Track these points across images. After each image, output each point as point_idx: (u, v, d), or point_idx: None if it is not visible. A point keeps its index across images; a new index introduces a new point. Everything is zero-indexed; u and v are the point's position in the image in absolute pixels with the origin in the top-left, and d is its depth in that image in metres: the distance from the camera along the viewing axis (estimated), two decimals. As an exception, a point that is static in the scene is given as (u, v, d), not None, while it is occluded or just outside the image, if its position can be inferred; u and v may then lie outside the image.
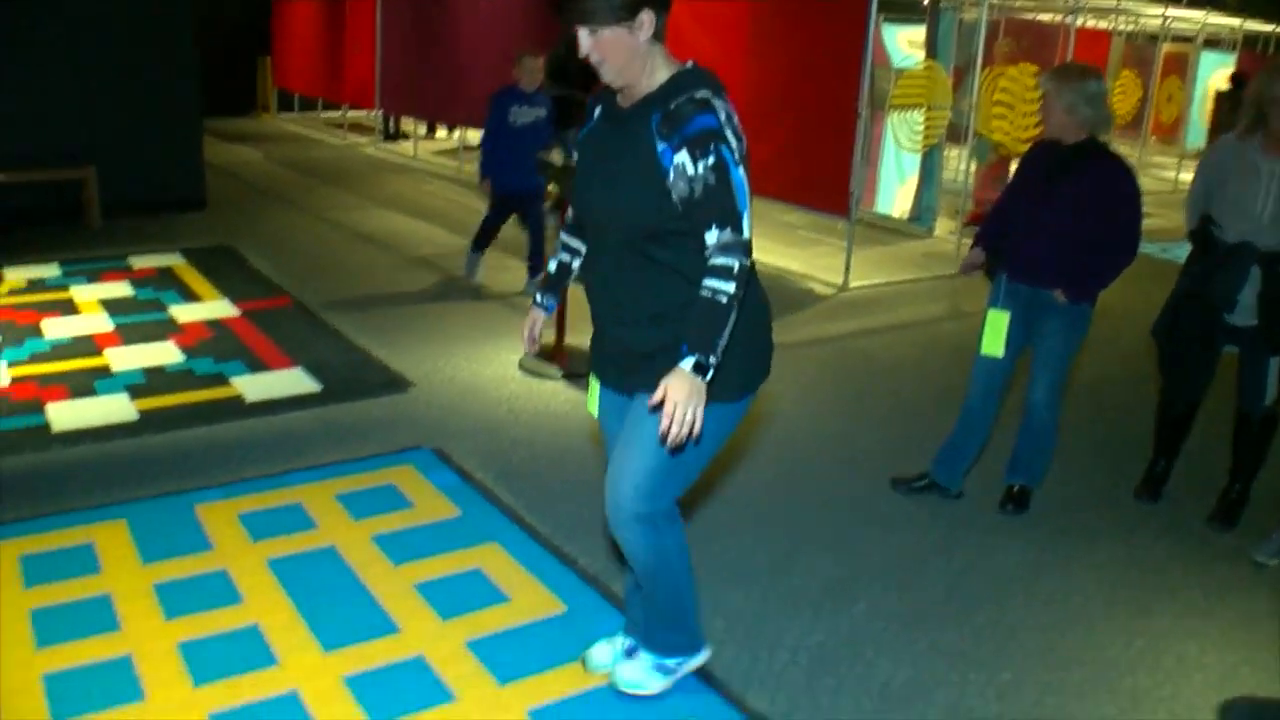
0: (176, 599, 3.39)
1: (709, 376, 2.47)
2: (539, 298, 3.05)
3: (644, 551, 2.82)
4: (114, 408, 4.89)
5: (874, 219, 10.10)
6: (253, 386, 5.22)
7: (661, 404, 2.44)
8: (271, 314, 6.41)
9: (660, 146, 2.50)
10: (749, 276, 2.56)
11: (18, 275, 7.03)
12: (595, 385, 2.97)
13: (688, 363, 2.44)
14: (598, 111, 2.75)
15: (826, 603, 3.57)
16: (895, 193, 10.18)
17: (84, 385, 5.13)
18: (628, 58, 2.50)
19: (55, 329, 5.99)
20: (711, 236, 2.49)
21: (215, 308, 6.52)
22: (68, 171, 8.53)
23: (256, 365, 5.52)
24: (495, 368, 5.60)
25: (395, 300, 6.87)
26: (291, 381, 5.29)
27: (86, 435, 4.58)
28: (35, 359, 5.52)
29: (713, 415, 2.61)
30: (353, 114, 16.01)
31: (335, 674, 3.07)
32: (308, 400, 5.07)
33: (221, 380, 5.30)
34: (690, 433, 2.45)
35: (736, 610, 3.50)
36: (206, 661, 3.11)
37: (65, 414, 4.79)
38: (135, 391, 5.10)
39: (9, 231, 8.15)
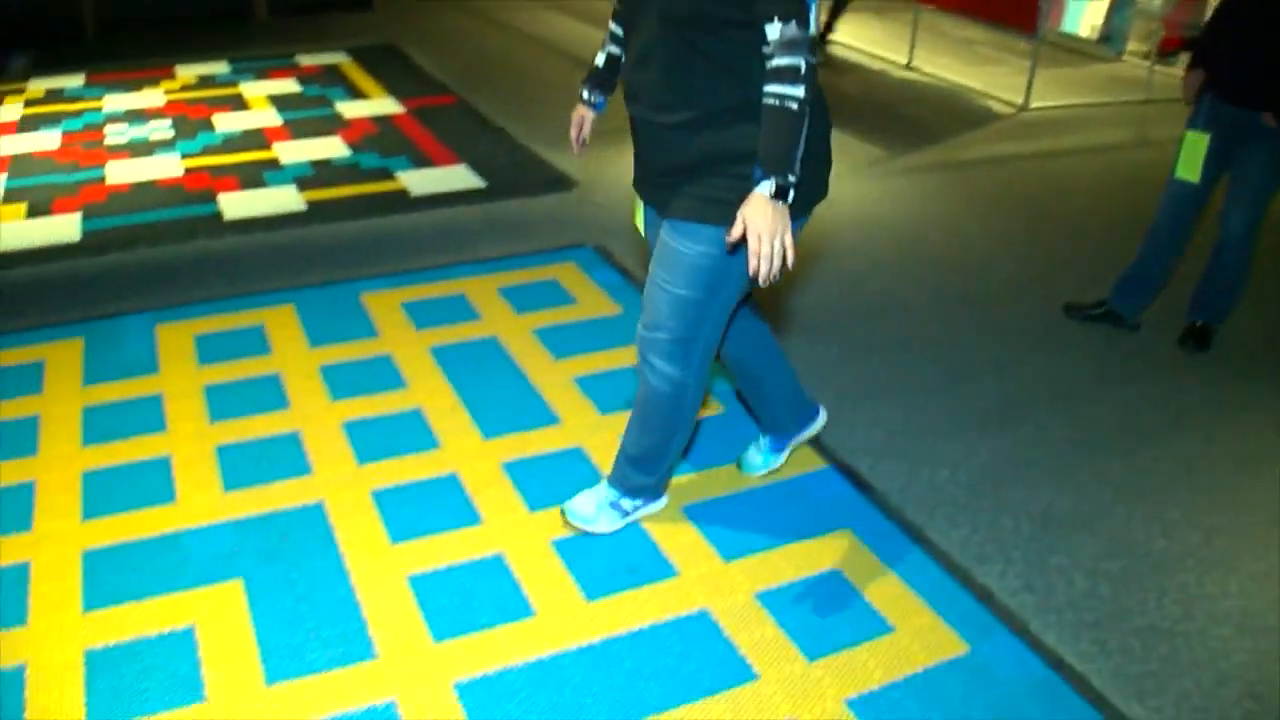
0: (342, 381, 3.45)
1: (791, 198, 2.20)
2: (586, 94, 2.77)
3: (658, 381, 2.61)
4: (283, 199, 4.96)
5: (1060, 38, 9.45)
6: (418, 181, 5.21)
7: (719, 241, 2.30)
8: (437, 111, 6.37)
9: None
10: (815, 77, 2.20)
11: (189, 72, 7.13)
12: (639, 201, 2.71)
13: (765, 186, 2.16)
14: None
15: (991, 424, 3.43)
16: (1085, 11, 9.50)
17: (254, 177, 5.21)
18: None
19: (226, 123, 6.08)
20: (774, 30, 2.15)
21: (381, 104, 6.50)
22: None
23: (422, 161, 5.51)
24: (659, 168, 5.47)
25: (561, 102, 6.71)
26: (456, 177, 5.27)
27: (256, 224, 4.66)
28: (207, 151, 5.62)
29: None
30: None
31: (495, 459, 3.10)
32: (472, 196, 5.04)
33: (387, 175, 5.31)
34: (785, 264, 2.20)
35: (899, 425, 3.40)
36: (371, 441, 3.17)
37: (236, 204, 4.88)
38: (303, 183, 5.16)
39: (179, 29, 8.25)
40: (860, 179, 5.45)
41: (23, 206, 4.94)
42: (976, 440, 3.34)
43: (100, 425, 3.26)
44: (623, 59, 2.52)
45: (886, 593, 2.67)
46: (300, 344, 3.67)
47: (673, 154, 2.39)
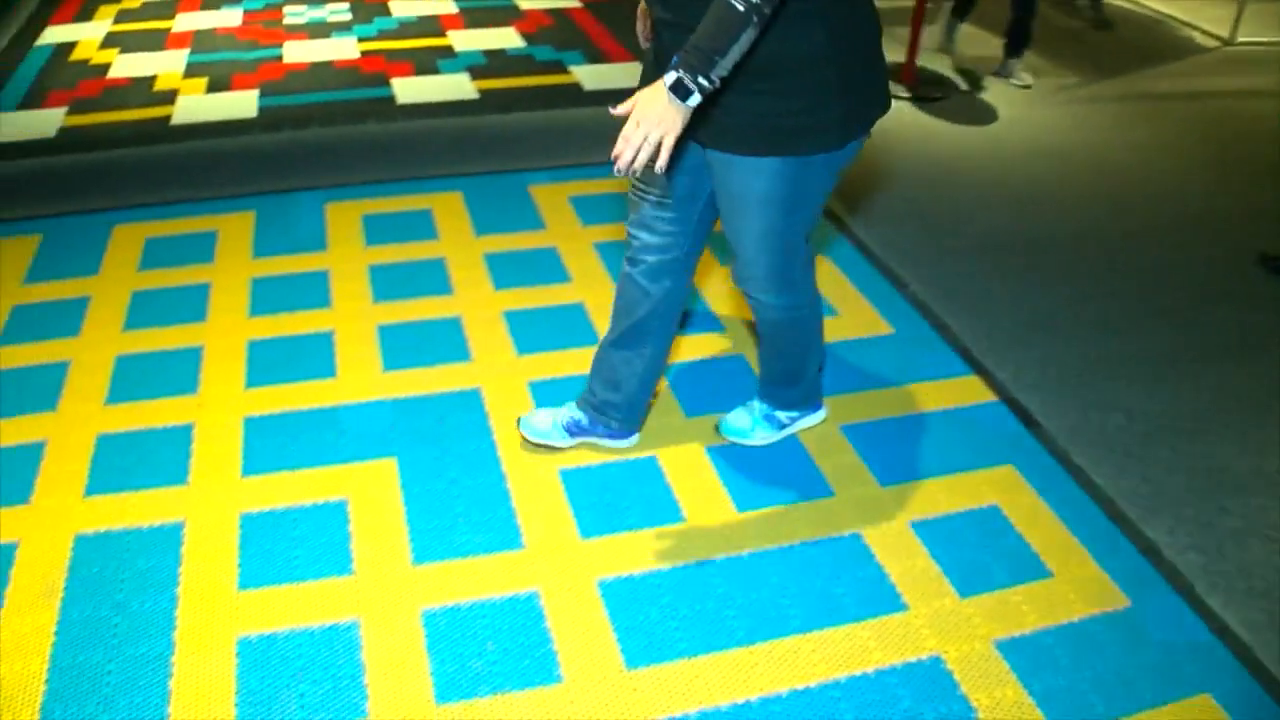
0: (506, 270, 3.42)
1: (690, 102, 1.85)
2: None
3: (771, 312, 2.47)
4: (455, 86, 4.94)
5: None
6: (591, 76, 5.13)
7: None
8: (614, 7, 6.24)
9: None
10: None
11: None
12: None
13: (670, 76, 1.85)
14: None
15: (1170, 372, 3.21)
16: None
17: (427, 63, 5.21)
18: None
19: (402, 8, 6.09)
20: None
21: (558, -2, 6.43)
22: None
23: (597, 56, 5.43)
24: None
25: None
26: (631, 74, 5.17)
27: (428, 110, 4.66)
28: (383, 35, 5.63)
29: (812, 168, 2.12)
30: None
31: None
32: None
33: (561, 68, 5.24)
34: (634, 163, 1.87)
35: (1073, 363, 3.20)
36: (530, 333, 3.14)
37: (409, 88, 4.89)
38: (475, 72, 5.13)
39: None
40: (1045, 105, 5.16)
41: (203, 81, 5.03)
42: (1153, 387, 3.14)
43: (267, 297, 3.30)
44: None
45: (1046, 536, 2.53)
46: (466, 231, 3.65)
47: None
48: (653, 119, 1.85)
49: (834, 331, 3.21)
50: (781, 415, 2.77)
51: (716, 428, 2.81)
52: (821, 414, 2.84)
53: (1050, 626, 2.30)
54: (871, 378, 3.03)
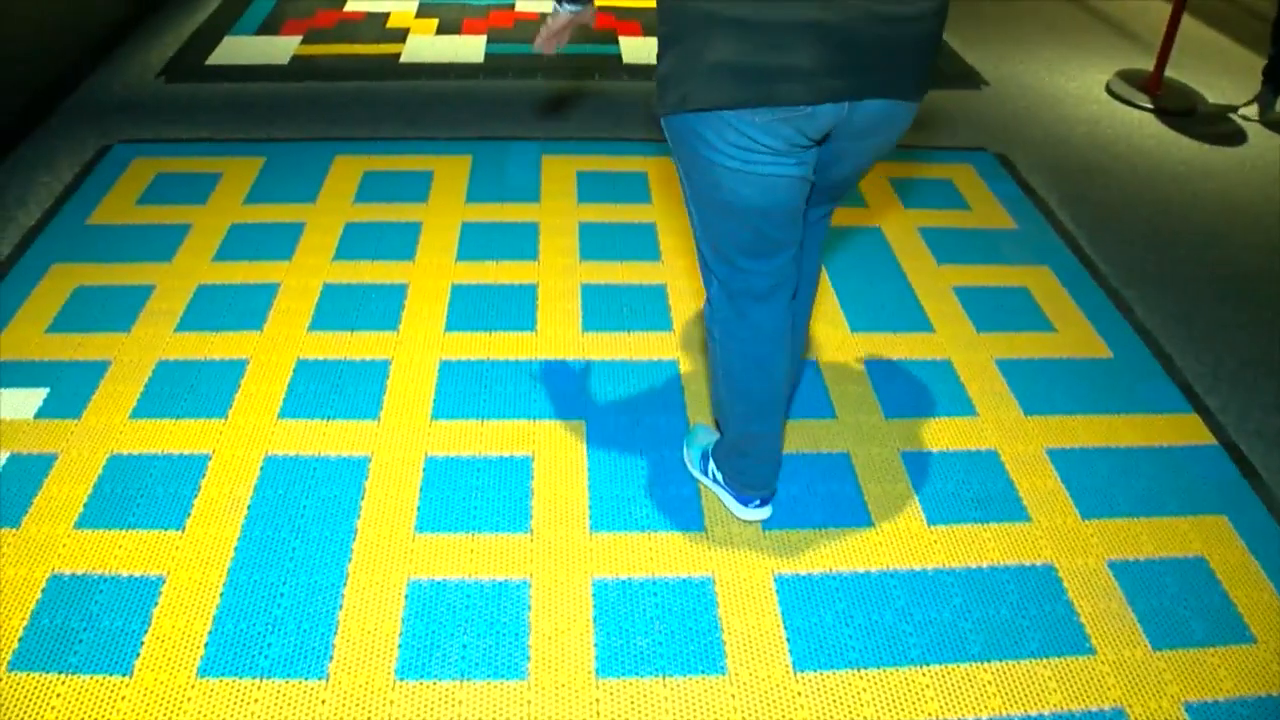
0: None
1: (556, 7, 2.14)
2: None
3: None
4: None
5: None
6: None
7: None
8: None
9: None
10: None
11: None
12: None
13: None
14: None
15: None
16: None
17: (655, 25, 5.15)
18: None
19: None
20: None
21: None
22: None
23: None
24: (1080, 83, 5.00)
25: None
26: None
27: (640, 71, 4.62)
28: (615, -5, 5.61)
29: (671, 134, 1.88)
30: None
31: (856, 354, 2.92)
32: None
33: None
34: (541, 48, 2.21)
35: (1245, 357, 2.97)
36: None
37: (637, 49, 4.85)
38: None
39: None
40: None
41: (434, 23, 5.09)
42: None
43: (476, 243, 3.31)
44: None
45: (1255, 598, 2.33)
46: (678, 201, 3.59)
47: None
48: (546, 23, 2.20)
49: (1048, 349, 3.04)
50: (712, 463, 2.46)
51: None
52: (741, 511, 2.41)
53: (1248, 697, 2.12)
54: (1083, 402, 2.86)
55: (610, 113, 4.22)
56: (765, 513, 2.41)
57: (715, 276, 2.06)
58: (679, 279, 3.19)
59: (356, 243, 3.30)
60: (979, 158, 4.09)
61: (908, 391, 2.82)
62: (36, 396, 2.67)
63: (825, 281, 3.23)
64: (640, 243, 3.36)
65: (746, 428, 2.24)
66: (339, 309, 3.00)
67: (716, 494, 2.47)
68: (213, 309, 3.00)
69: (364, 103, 4.25)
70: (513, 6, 5.34)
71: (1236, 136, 4.60)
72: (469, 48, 4.79)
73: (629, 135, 4.02)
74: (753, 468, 2.33)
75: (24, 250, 3.25)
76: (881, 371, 2.87)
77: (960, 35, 5.47)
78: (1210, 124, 4.70)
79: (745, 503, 2.39)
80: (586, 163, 3.79)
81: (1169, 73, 4.95)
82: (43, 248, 3.26)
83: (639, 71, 4.61)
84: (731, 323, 2.10)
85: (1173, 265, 3.55)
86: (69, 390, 2.69)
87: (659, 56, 1.81)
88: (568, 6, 2.16)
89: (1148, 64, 5.22)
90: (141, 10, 5.09)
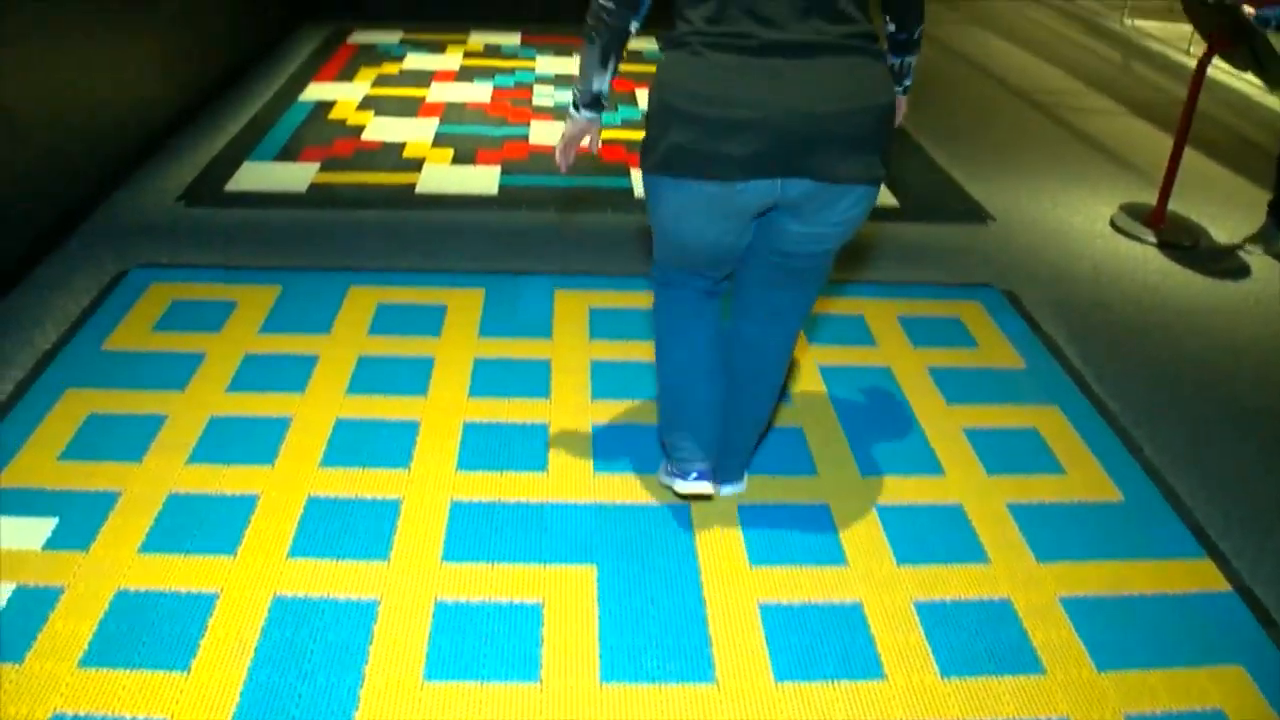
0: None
1: (571, 113, 2.55)
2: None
3: None
4: (692, 186, 4.96)
5: None
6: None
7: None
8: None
9: None
10: (597, 13, 2.36)
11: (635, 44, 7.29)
12: None
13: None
14: None
15: None
16: None
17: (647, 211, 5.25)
18: None
19: (645, 100, 6.16)
20: None
21: (800, 106, 6.41)
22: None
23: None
24: (1084, 217, 5.08)
25: (984, 127, 6.42)
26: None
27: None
28: (627, 125, 5.72)
29: (652, 185, 2.44)
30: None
31: (867, 499, 2.92)
32: (883, 213, 4.85)
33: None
34: (565, 160, 2.62)
35: (1257, 499, 2.97)
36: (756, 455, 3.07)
37: (647, 183, 4.93)
38: (715, 173, 5.14)
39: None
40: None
41: (449, 152, 5.19)
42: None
43: (488, 379, 3.33)
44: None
45: (1281, 752, 2.31)
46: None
47: None
48: (564, 128, 2.62)
49: (1059, 493, 3.04)
50: (664, 461, 2.92)
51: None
52: (681, 485, 2.77)
53: None
54: (1095, 548, 2.85)
55: (624, 247, 4.27)
56: (704, 486, 2.75)
57: (656, 268, 2.69)
58: (810, 422, 3.22)
59: (369, 376, 3.32)
60: (987, 294, 4.13)
61: (920, 537, 2.81)
62: (45, 526, 2.67)
63: (835, 422, 3.24)
64: (652, 382, 3.37)
65: (674, 396, 2.73)
66: (351, 444, 3.01)
67: (664, 482, 2.87)
68: (224, 441, 3.01)
69: (380, 232, 4.31)
70: (526, 139, 5.44)
71: (1240, 272, 4.65)
72: (483, 179, 4.87)
73: (642, 271, 4.07)
74: (681, 441, 2.73)
75: (39, 373, 3.28)
76: (893, 516, 2.87)
77: (965, 169, 5.56)
78: (1214, 259, 4.75)
79: (684, 475, 2.74)
80: (599, 298, 3.82)
81: (1171, 205, 5.01)
82: (57, 372, 3.29)
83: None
84: (661, 301, 2.70)
85: (1181, 403, 3.56)
86: (78, 521, 2.69)
87: (644, 129, 2.40)
88: (585, 113, 2.55)
89: (1150, 196, 5.30)
90: (161, 134, 5.20)
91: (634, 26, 2.40)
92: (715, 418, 2.73)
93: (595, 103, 2.52)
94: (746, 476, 2.94)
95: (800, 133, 2.22)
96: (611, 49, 2.42)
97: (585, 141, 2.63)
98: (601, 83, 2.47)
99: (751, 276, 2.58)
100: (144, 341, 3.47)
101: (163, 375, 3.29)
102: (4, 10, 3.71)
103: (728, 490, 2.88)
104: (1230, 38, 4.66)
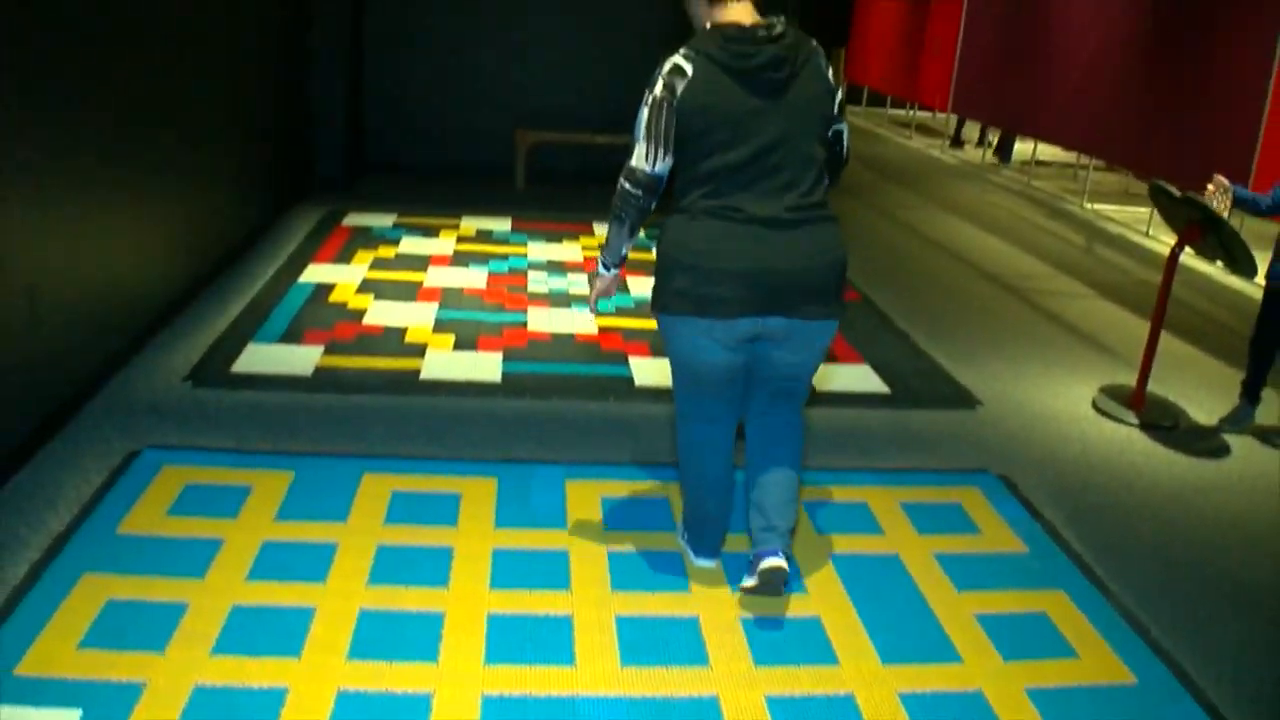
0: (744, 573, 3.42)
1: (601, 271, 3.32)
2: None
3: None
4: (691, 371, 5.09)
5: None
6: (822, 376, 5.20)
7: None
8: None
9: None
10: (626, 198, 3.11)
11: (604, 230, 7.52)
12: None
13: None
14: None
15: None
16: None
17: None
18: None
19: (640, 287, 6.37)
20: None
21: (785, 290, 6.62)
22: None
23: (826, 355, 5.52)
24: (1066, 401, 5.26)
25: (963, 312, 6.66)
26: (860, 377, 5.26)
27: (667, 394, 4.78)
28: (621, 313, 5.89)
29: (662, 325, 3.19)
30: (920, 114, 15.94)
31: (892, 687, 2.96)
32: (876, 400, 5.01)
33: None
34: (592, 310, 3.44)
35: (1264, 674, 3.03)
36: (768, 643, 3.11)
37: (647, 370, 5.05)
38: (710, 359, 5.28)
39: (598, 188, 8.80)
40: (1288, 447, 5.01)
41: (451, 338, 5.32)
42: None
43: (508, 570, 3.37)
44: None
45: None
46: (702, 525, 3.70)
47: None
48: (593, 281, 3.40)
49: (1074, 676, 3.09)
50: (681, 528, 3.59)
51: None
52: (697, 561, 3.49)
53: None
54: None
55: (629, 435, 4.36)
56: (712, 563, 3.48)
57: (679, 404, 3.32)
58: (710, 610, 3.25)
59: (390, 566, 3.35)
60: (983, 479, 4.25)
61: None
62: (70, 719, 2.65)
63: (852, 611, 3.30)
64: (669, 572, 3.43)
65: (699, 508, 3.43)
66: (377, 636, 3.03)
67: (682, 547, 3.54)
68: (249, 632, 3.01)
69: (388, 418, 4.40)
70: (525, 325, 5.59)
71: (1221, 451, 4.81)
72: (486, 365, 4.99)
73: (650, 460, 4.16)
74: (701, 532, 3.47)
75: (54, 556, 3.28)
76: (917, 705, 2.90)
77: (949, 354, 5.75)
78: (1195, 439, 4.92)
79: (697, 555, 3.49)
80: (610, 488, 3.90)
81: (1149, 386, 5.19)
82: (73, 556, 3.29)
83: (652, 394, 4.80)
84: (685, 434, 3.35)
85: (1181, 582, 3.65)
86: (102, 714, 2.65)
87: (655, 280, 3.13)
88: (614, 270, 3.35)
89: (1126, 377, 5.50)
90: (167, 312, 5.31)
91: (653, 205, 3.14)
92: (726, 521, 3.48)
93: (621, 262, 3.30)
94: (785, 560, 3.21)
95: (774, 283, 2.99)
96: (637, 224, 3.17)
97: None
98: (627, 249, 3.27)
99: (755, 406, 3.33)
100: (159, 526, 3.49)
101: (181, 561, 3.31)
102: (31, 186, 3.84)
103: (770, 560, 3.17)
104: (1199, 229, 4.91)
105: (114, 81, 4.52)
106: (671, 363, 3.26)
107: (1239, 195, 4.75)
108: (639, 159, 3.04)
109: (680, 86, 2.97)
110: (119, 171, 4.60)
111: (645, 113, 3.01)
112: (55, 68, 3.99)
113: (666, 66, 2.99)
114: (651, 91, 2.99)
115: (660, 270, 3.08)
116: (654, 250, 3.16)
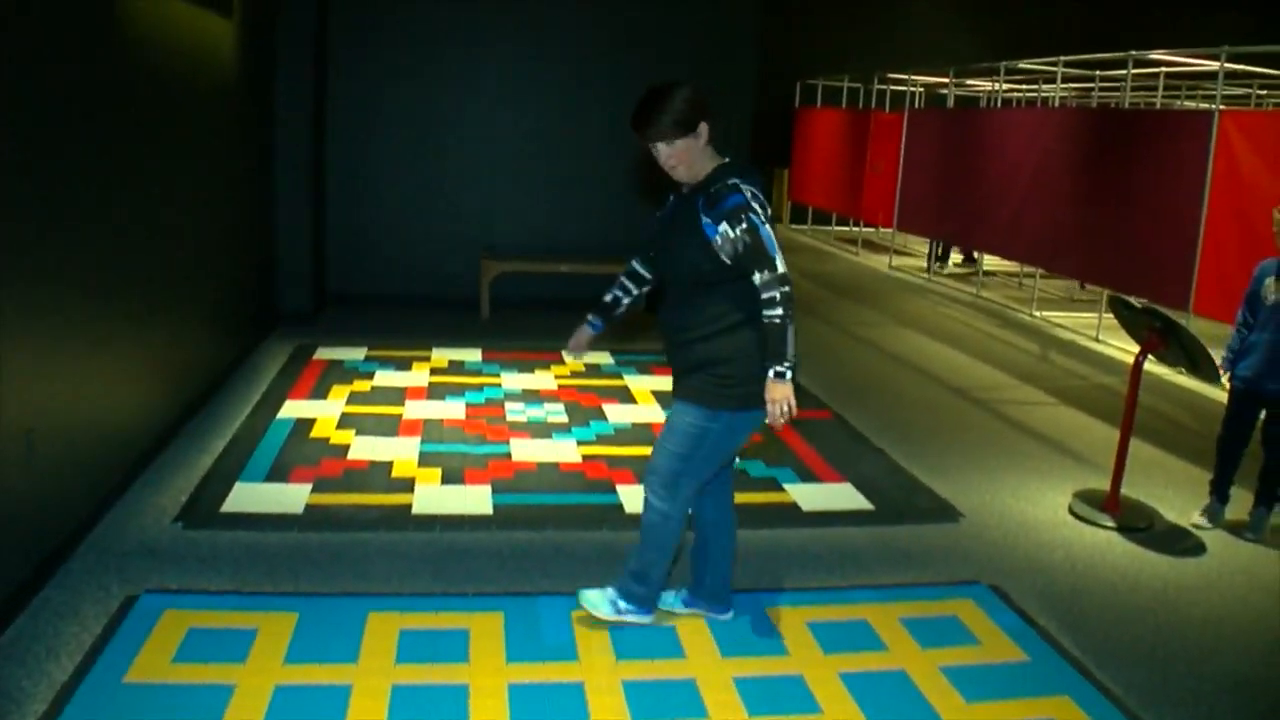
0: (756, 696, 3.47)
1: (789, 377, 3.40)
2: (590, 317, 4.00)
3: (652, 513, 3.73)
4: (679, 496, 5.16)
5: None
6: (807, 496, 5.33)
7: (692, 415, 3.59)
8: (815, 425, 6.56)
9: (705, 220, 3.43)
10: (790, 300, 3.39)
11: (575, 360, 7.61)
12: None
13: (771, 372, 3.39)
14: (672, 197, 3.69)
15: None
16: None
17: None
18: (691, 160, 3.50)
19: (616, 414, 6.48)
20: (757, 278, 3.38)
21: (759, 411, 6.74)
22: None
23: (806, 475, 5.64)
24: (1044, 508, 5.39)
25: (934, 425, 6.82)
26: (843, 496, 5.37)
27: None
28: (601, 440, 5.97)
29: (719, 421, 3.56)
30: (864, 230, 16.35)
31: (916, 807, 3.02)
32: (861, 517, 5.11)
33: (775, 485, 5.46)
34: (790, 416, 3.43)
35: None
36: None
37: (636, 496, 5.08)
38: (696, 484, 5.35)
39: (563, 315, 8.93)
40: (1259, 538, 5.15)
41: (438, 472, 5.36)
42: None
43: (525, 705, 3.38)
44: (623, 301, 3.98)
45: None
46: (712, 653, 3.74)
47: (680, 362, 3.64)
48: (785, 396, 3.40)
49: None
50: (620, 603, 3.87)
51: (576, 594, 3.93)
52: (649, 618, 3.91)
53: None
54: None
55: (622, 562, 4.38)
56: (649, 618, 3.91)
57: (690, 487, 3.70)
58: None
59: (408, 707, 3.34)
60: (975, 591, 4.35)
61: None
62: None
63: (869, 729, 3.35)
64: (681, 698, 3.46)
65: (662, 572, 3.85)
66: (401, 784, 3.02)
67: (628, 619, 3.87)
68: (271, 783, 3.00)
69: (386, 554, 4.42)
70: (509, 456, 5.65)
71: (1198, 549, 4.97)
72: (476, 498, 5.04)
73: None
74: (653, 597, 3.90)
75: (60, 709, 3.21)
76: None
77: (924, 467, 5.89)
78: (1171, 539, 5.07)
79: (648, 613, 3.90)
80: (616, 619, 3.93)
81: (1121, 489, 5.34)
82: (80, 708, 3.23)
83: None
84: (685, 516, 3.75)
85: (1180, 681, 3.75)
86: None
87: (726, 382, 3.54)
88: (599, 326, 3.99)
89: (1096, 481, 5.67)
90: (150, 451, 5.34)
91: None
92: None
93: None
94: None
95: None
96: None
97: None
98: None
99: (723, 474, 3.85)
100: (166, 674, 3.45)
101: (193, 710, 3.26)
102: (26, 333, 3.90)
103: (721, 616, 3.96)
104: (1160, 337, 5.12)
105: (93, 240, 4.60)
106: (712, 451, 3.64)
107: (1231, 351, 5.14)
108: (784, 265, 3.40)
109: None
110: (99, 316, 4.64)
111: (768, 229, 3.42)
112: (40, 236, 4.08)
113: (748, 193, 3.43)
114: (758, 214, 3.41)
115: (736, 374, 3.50)
116: (704, 353, 3.53)
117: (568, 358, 3.88)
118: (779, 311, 3.37)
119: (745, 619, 3.98)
